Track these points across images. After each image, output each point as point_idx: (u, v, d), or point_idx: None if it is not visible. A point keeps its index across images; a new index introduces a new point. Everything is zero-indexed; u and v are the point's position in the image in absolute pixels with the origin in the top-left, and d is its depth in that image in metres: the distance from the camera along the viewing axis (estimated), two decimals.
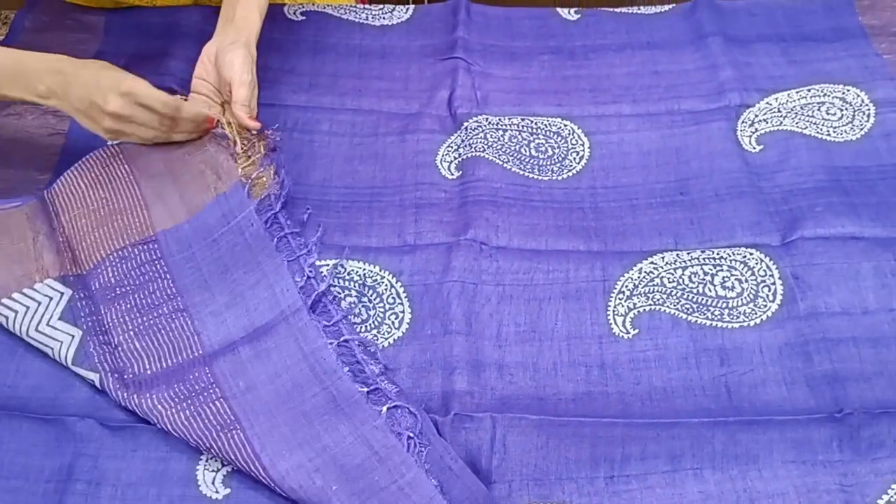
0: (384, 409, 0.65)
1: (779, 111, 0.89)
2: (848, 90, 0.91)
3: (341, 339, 0.69)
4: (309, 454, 0.63)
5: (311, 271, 0.73)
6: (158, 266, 0.74)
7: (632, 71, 0.95)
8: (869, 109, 0.89)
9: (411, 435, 0.64)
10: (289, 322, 0.70)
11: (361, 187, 0.84)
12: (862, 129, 0.87)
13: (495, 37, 0.98)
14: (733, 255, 0.76)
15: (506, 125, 0.88)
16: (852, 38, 0.96)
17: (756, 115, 0.89)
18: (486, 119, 0.89)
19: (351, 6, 1.02)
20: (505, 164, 0.85)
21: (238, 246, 0.74)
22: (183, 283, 0.73)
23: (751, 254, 0.76)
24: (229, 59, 0.78)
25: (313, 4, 1.03)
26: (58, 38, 0.95)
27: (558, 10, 1.02)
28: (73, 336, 0.71)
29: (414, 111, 0.91)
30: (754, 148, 0.86)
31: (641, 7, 1.03)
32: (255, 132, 0.80)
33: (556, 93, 0.93)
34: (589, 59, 0.96)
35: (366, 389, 0.66)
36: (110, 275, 0.74)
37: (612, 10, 1.02)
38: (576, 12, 1.02)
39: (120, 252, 0.75)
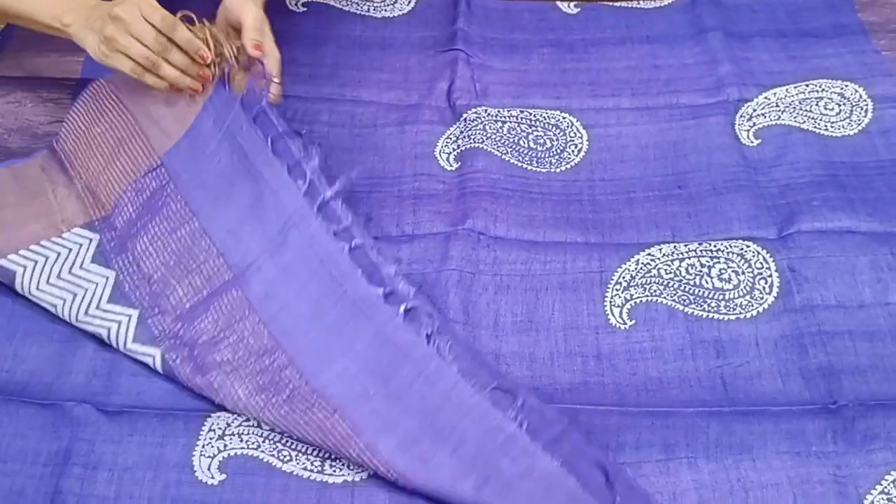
0: (401, 308, 0.66)
1: (777, 106, 0.89)
2: (846, 86, 0.91)
3: (353, 242, 0.69)
4: (345, 363, 0.65)
5: (313, 175, 0.72)
6: (170, 190, 0.75)
7: (631, 65, 0.95)
8: (867, 105, 0.89)
9: (429, 332, 0.66)
10: (299, 229, 0.70)
11: (360, 178, 0.84)
12: (860, 125, 0.87)
13: (495, 29, 0.99)
14: (730, 247, 0.77)
15: (505, 117, 0.89)
16: (852, 34, 0.97)
17: (754, 110, 0.89)
18: (486, 111, 0.89)
19: None
20: (504, 156, 0.85)
21: (235, 154, 0.74)
22: (196, 204, 0.74)
23: (747, 246, 0.77)
24: (228, 4, 0.78)
25: None
26: None
27: (558, 3, 1.02)
28: (107, 278, 0.72)
29: (413, 102, 0.91)
30: (752, 142, 0.86)
31: (641, 2, 1.03)
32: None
33: (556, 85, 0.93)
34: (588, 52, 0.97)
35: (381, 291, 0.67)
36: (130, 210, 0.75)
37: (611, 4, 1.02)
38: (575, 6, 1.02)
39: (134, 185, 0.76)
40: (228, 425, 0.65)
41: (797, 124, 0.87)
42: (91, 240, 0.74)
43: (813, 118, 0.88)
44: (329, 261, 0.69)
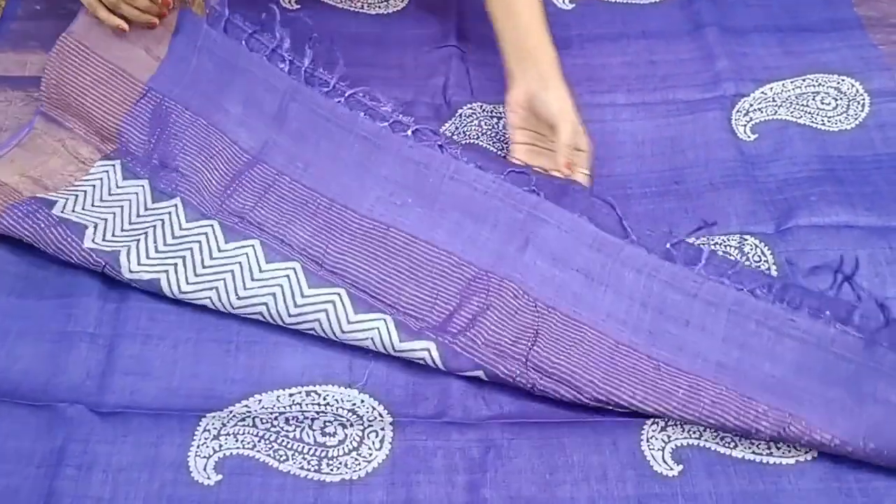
0: (409, 131, 0.78)
1: (774, 101, 0.89)
2: (843, 80, 0.91)
3: (345, 94, 0.80)
4: (378, 189, 0.76)
5: (289, 55, 0.82)
6: (168, 103, 0.82)
7: (627, 60, 0.95)
8: (864, 99, 0.89)
9: (440, 143, 0.77)
10: (296, 101, 0.80)
11: None
12: (857, 119, 0.87)
13: (490, 25, 0.97)
14: (728, 241, 0.76)
15: (500, 113, 0.88)
16: (848, 28, 0.96)
17: (751, 105, 0.89)
18: (481, 107, 0.89)
19: None
20: (500, 152, 0.84)
21: (217, 64, 0.83)
22: (196, 108, 0.81)
23: (745, 240, 0.76)
24: (543, 98, 0.76)
25: None
26: (51, 26, 0.94)
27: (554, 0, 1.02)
28: (142, 186, 0.78)
29: (408, 99, 0.90)
30: (749, 137, 0.86)
31: None
32: None
33: None
34: (584, 48, 0.96)
35: (386, 124, 0.78)
36: (136, 133, 0.81)
37: (606, 0, 1.02)
38: (570, 1, 1.01)
39: (129, 114, 0.82)
40: (224, 425, 0.65)
41: (794, 119, 0.87)
42: (114, 165, 0.80)
43: (810, 113, 0.87)
44: (332, 116, 0.79)
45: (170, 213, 0.75)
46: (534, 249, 0.72)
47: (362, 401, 0.67)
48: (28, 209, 0.74)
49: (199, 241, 0.73)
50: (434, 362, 0.67)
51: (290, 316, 0.69)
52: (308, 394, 0.68)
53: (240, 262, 0.71)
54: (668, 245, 0.71)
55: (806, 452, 0.63)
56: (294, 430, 0.64)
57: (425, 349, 0.67)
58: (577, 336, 0.68)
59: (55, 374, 0.69)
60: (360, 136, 0.78)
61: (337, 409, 0.67)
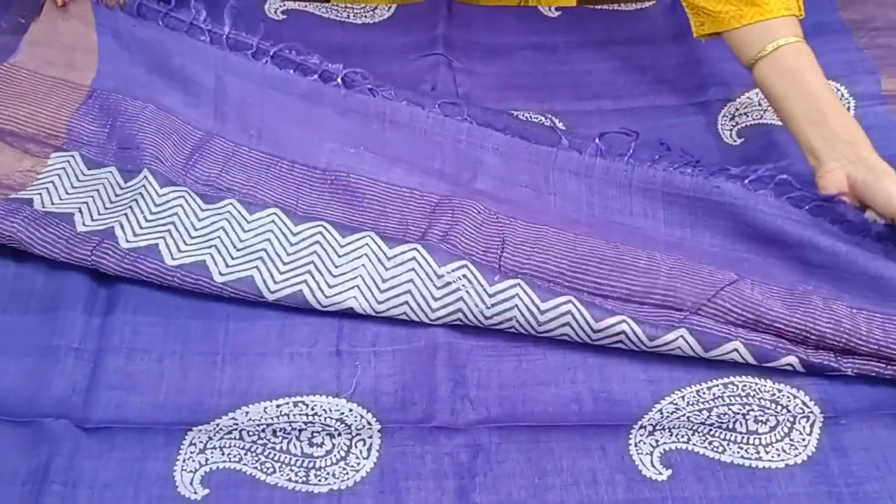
0: (339, 79, 0.83)
1: (759, 105, 0.89)
2: (829, 84, 0.91)
3: (271, 52, 0.83)
4: (333, 143, 0.81)
5: (207, 26, 0.85)
6: (115, 97, 0.84)
7: (613, 66, 0.95)
8: (849, 103, 0.89)
9: (371, 87, 0.83)
10: (227, 73, 0.83)
11: None
12: None
13: (476, 33, 0.98)
14: None
15: None
16: (833, 32, 0.96)
17: (737, 109, 0.89)
18: None
19: (332, 5, 1.02)
20: None
21: (146, 50, 0.85)
22: (144, 97, 0.84)
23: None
24: (876, 189, 0.70)
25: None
26: None
27: (539, 7, 1.02)
28: (111, 172, 0.79)
29: None
30: (735, 141, 0.86)
31: (622, 4, 1.03)
32: None
33: (538, 89, 0.93)
34: (571, 55, 0.96)
35: (315, 77, 0.83)
36: (87, 126, 0.83)
37: (592, 7, 1.02)
38: (556, 9, 1.02)
39: (78, 112, 0.84)
40: (210, 438, 0.64)
41: (780, 123, 0.87)
42: (73, 156, 0.81)
43: None
44: (265, 79, 0.83)
45: (143, 185, 0.77)
46: (483, 177, 0.79)
47: (350, 410, 0.67)
48: (9, 207, 0.74)
49: (181, 206, 0.76)
50: (427, 262, 0.70)
51: (287, 255, 0.73)
52: (296, 404, 0.67)
53: (226, 219, 0.75)
54: (595, 140, 0.78)
55: (796, 456, 0.62)
56: (281, 442, 0.64)
57: (413, 249, 0.71)
58: (540, 235, 0.74)
59: (40, 389, 0.68)
60: (298, 94, 0.82)
61: (325, 418, 0.66)
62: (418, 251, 0.71)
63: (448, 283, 0.69)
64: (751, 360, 0.66)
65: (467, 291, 0.68)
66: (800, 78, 0.75)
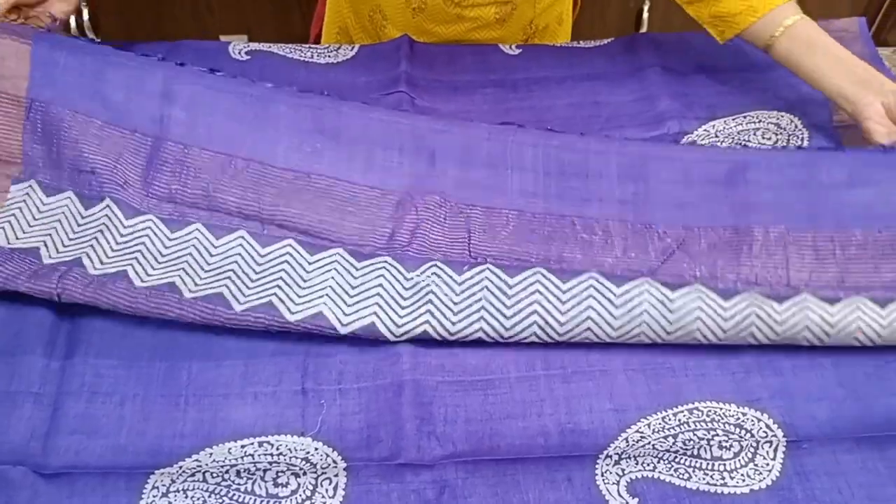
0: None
1: (716, 137, 0.91)
2: (782, 116, 0.94)
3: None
4: (289, 141, 0.81)
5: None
6: (54, 111, 0.80)
7: (573, 102, 0.97)
8: (802, 134, 0.92)
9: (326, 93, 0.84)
10: (176, 79, 0.82)
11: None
12: None
13: (438, 71, 1.00)
14: None
15: None
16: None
17: (694, 142, 0.91)
18: None
19: (296, 46, 1.03)
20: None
21: (88, 59, 0.81)
22: (83, 108, 0.80)
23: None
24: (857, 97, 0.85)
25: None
26: None
27: (500, 45, 1.04)
28: (69, 198, 0.78)
29: None
30: None
31: (581, 41, 1.06)
32: None
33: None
34: (532, 90, 0.98)
35: (270, 84, 0.83)
36: (38, 148, 0.80)
37: (551, 45, 1.04)
38: (517, 47, 1.04)
39: (25, 131, 0.80)
40: (173, 482, 0.63)
41: None
42: (30, 185, 0.79)
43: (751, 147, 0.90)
44: (217, 83, 0.82)
45: (107, 215, 0.76)
46: (441, 159, 0.80)
47: (316, 448, 0.66)
48: None
49: (148, 237, 0.75)
50: (399, 272, 0.72)
51: (256, 274, 0.73)
52: (260, 444, 0.66)
53: (193, 245, 0.75)
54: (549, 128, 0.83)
55: (760, 481, 0.63)
56: (245, 483, 0.63)
57: (383, 261, 0.73)
58: (501, 221, 0.77)
59: None
60: (250, 95, 0.82)
61: (290, 458, 0.65)
62: (388, 262, 0.72)
63: (416, 283, 0.70)
64: (715, 298, 0.69)
65: (437, 285, 0.70)
66: (818, 42, 0.89)
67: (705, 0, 0.93)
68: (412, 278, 0.71)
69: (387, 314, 0.70)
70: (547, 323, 0.69)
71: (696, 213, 0.77)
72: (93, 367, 0.71)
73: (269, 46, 1.02)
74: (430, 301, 0.70)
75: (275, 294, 0.71)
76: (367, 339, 0.70)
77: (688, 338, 0.69)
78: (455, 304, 0.70)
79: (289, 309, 0.70)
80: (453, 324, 0.69)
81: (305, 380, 0.70)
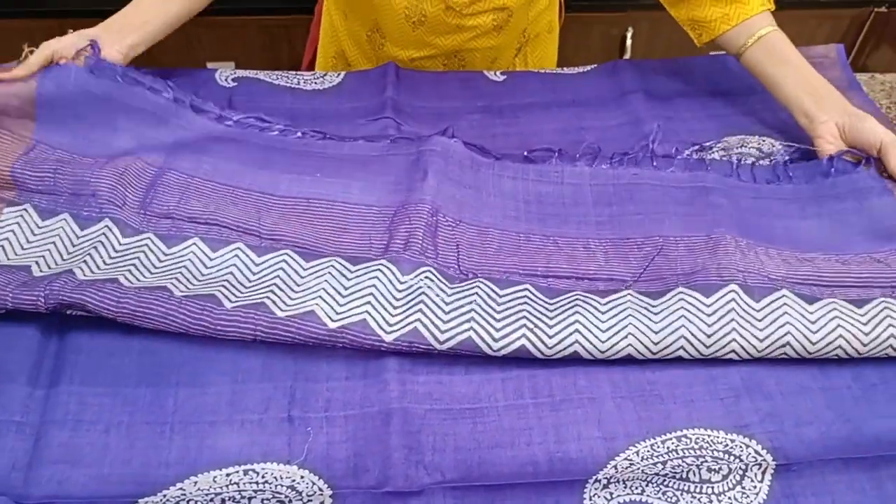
0: (299, 133, 0.92)
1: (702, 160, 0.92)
2: (763, 140, 0.95)
3: (234, 118, 0.92)
4: (290, 176, 0.86)
5: (172, 88, 0.90)
6: (60, 153, 0.84)
7: (558, 127, 0.98)
8: (783, 158, 0.93)
9: (331, 136, 0.92)
10: (187, 130, 0.89)
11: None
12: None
13: (424, 98, 1.00)
14: None
15: None
16: (766, 91, 1.01)
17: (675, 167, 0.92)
18: None
19: (282, 72, 1.04)
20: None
21: (98, 102, 0.86)
22: (92, 152, 0.84)
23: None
24: (860, 127, 0.88)
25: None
26: None
27: (485, 72, 1.05)
28: (65, 220, 0.78)
29: None
30: None
31: (565, 68, 1.07)
32: None
33: None
34: (517, 116, 0.99)
35: (276, 132, 0.92)
36: (32, 173, 0.81)
37: (536, 71, 1.06)
38: (502, 73, 1.05)
39: (20, 160, 0.82)
40: None
41: None
42: (25, 209, 0.79)
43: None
44: (225, 133, 0.90)
45: (104, 233, 0.77)
46: (433, 175, 0.84)
47: (302, 476, 0.65)
48: None
49: (143, 251, 0.76)
50: (393, 274, 0.73)
51: (250, 282, 0.73)
52: (246, 472, 0.66)
53: (189, 259, 0.76)
54: (525, 153, 0.90)
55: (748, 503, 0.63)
56: None
57: (379, 263, 0.74)
58: (487, 238, 0.80)
59: None
60: (256, 144, 0.89)
61: (276, 486, 0.65)
62: (384, 264, 0.74)
63: (410, 286, 0.71)
64: (697, 296, 0.71)
65: (429, 288, 0.71)
66: (786, 57, 0.94)
67: (686, 3, 0.99)
68: (406, 281, 0.72)
69: (379, 313, 0.70)
70: (536, 326, 0.69)
71: (671, 225, 0.81)
72: (77, 394, 0.70)
73: (256, 73, 1.03)
74: (423, 302, 0.70)
75: (268, 297, 0.71)
76: (355, 367, 0.70)
77: (675, 336, 0.69)
78: (447, 304, 0.71)
79: (279, 308, 0.70)
80: (444, 322, 0.69)
81: (292, 407, 0.69)
